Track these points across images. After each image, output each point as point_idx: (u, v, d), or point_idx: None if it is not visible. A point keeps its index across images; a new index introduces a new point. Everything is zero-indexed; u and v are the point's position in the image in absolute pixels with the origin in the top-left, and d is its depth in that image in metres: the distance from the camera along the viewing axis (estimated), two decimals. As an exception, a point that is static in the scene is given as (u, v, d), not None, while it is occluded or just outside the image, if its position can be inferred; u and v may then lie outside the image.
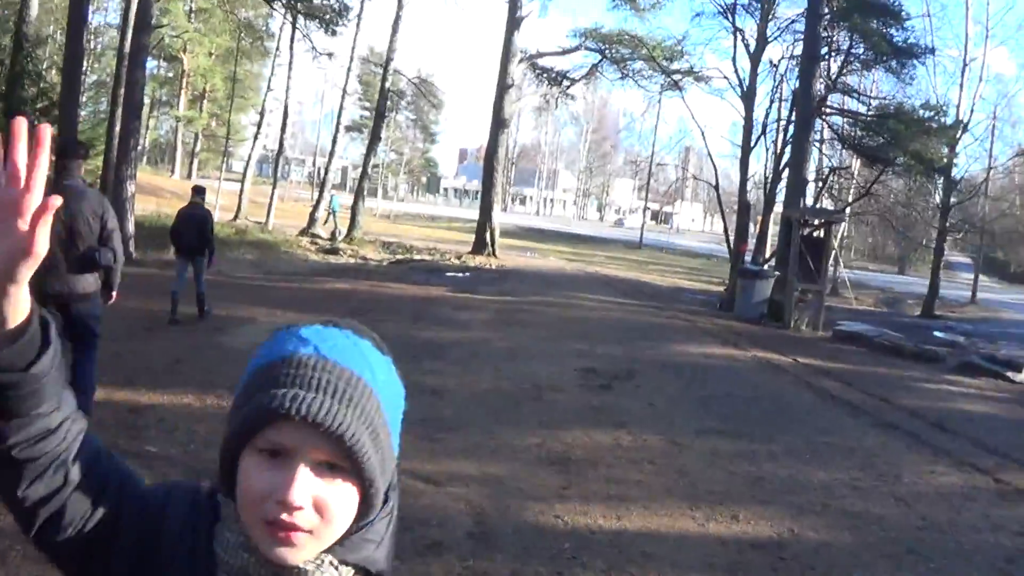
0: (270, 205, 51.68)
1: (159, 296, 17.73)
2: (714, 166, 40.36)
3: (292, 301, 21.26)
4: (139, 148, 29.36)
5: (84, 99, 34.34)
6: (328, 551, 1.56)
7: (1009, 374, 19.76)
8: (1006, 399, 17.57)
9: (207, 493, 1.65)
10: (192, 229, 17.78)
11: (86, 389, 9.12)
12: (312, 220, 50.16)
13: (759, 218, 39.74)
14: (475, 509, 8.33)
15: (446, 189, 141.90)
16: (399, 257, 41.04)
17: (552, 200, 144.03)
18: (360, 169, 53.29)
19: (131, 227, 27.02)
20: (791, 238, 27.34)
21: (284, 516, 1.47)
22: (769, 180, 35.72)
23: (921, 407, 15.29)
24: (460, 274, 34.50)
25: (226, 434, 1.55)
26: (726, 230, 37.44)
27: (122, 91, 29.74)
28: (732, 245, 35.82)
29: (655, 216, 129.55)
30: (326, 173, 54.97)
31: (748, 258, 34.13)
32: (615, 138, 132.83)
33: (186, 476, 8.27)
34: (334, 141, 54.07)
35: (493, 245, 42.88)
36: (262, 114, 57.85)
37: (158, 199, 51.89)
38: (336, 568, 1.57)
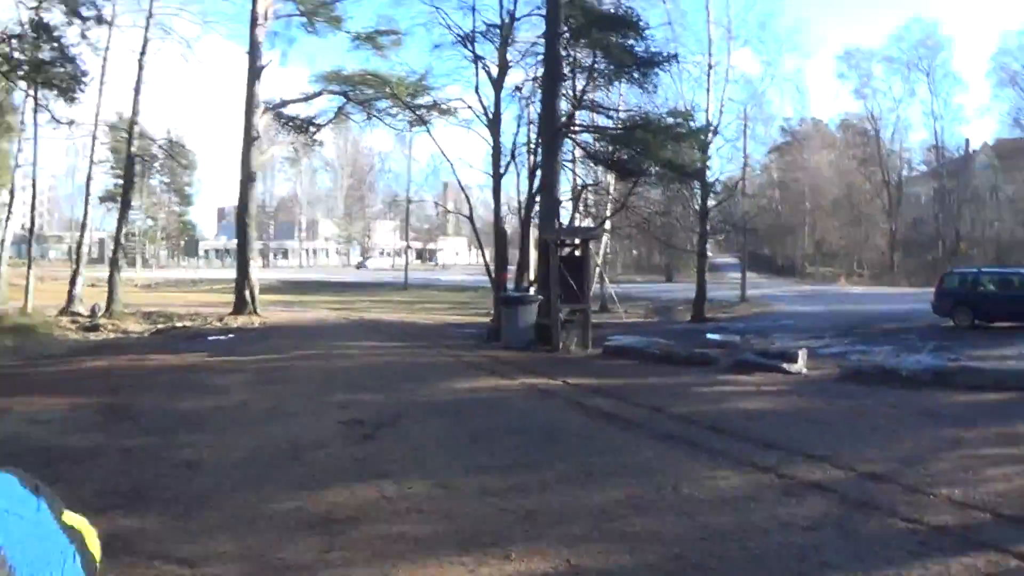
0: (27, 287, 49.77)
1: None
2: (466, 196, 40.40)
3: (50, 385, 20.22)
4: None
5: None
6: None
7: (784, 365, 20.05)
8: (784, 391, 17.75)
9: None
10: None
11: None
12: (71, 298, 48.61)
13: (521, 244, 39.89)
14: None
15: (207, 251, 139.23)
16: (160, 327, 40.10)
17: (315, 251, 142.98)
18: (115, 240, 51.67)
19: None
20: (550, 260, 27.31)
21: None
22: (523, 205, 35.68)
23: (697, 412, 15.21)
24: (222, 337, 33.79)
25: None
26: (486, 261, 37.46)
27: None
28: (493, 275, 35.70)
29: (419, 254, 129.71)
30: (79, 247, 52.93)
31: (511, 286, 33.96)
32: (371, 180, 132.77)
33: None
34: (85, 213, 51.98)
35: (254, 303, 42.03)
36: (12, 193, 55.64)
37: None
38: None
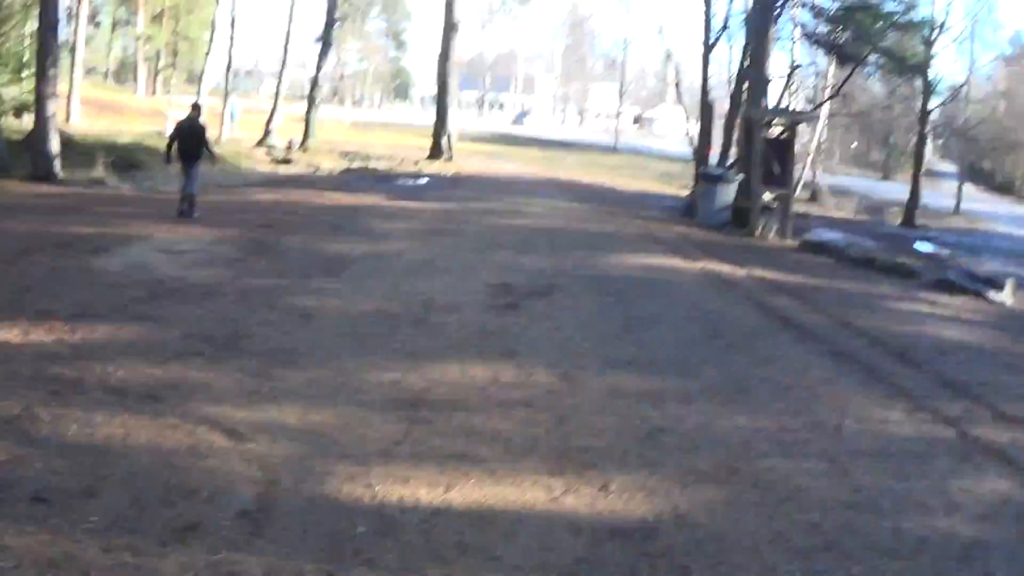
0: (221, 117, 49.98)
1: (65, 219, 17.54)
2: (674, 64, 38.69)
3: (207, 216, 19.55)
4: (57, 66, 27.73)
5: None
6: None
7: (990, 294, 17.46)
8: (984, 323, 15.09)
9: None
10: (191, 139, 20.31)
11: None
12: (267, 132, 48.92)
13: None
14: (267, 476, 6.32)
15: (422, 97, 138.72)
16: (352, 166, 39.97)
17: (529, 106, 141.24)
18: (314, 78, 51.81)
19: (54, 146, 25.88)
20: (753, 140, 25.25)
21: None
22: (733, 80, 33.26)
23: (885, 332, 13.03)
24: (410, 181, 33.42)
25: None
26: (692, 135, 35.75)
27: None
28: (695, 148, 33.92)
29: (636, 120, 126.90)
30: (278, 83, 53.42)
31: (714, 162, 32.00)
32: (590, 42, 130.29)
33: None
34: (285, 51, 53.36)
35: (450, 151, 41.21)
36: (214, 28, 55.82)
37: (120, 116, 50.59)
38: None
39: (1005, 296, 17.35)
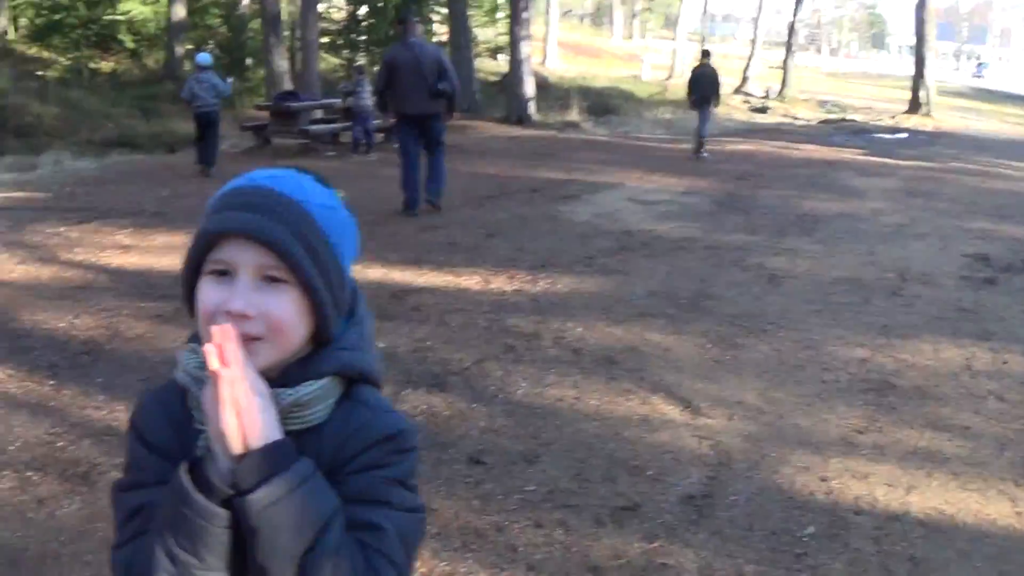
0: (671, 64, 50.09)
1: (536, 163, 18.34)
2: None
3: (680, 165, 19.96)
4: (530, 8, 28.64)
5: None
6: (301, 366, 1.68)
7: None
8: None
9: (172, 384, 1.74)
10: (704, 82, 22.14)
11: (438, 178, 13.95)
12: (744, 79, 48.48)
13: None
14: (718, 457, 6.10)
15: (899, 47, 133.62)
16: (829, 116, 38.92)
17: (1007, 59, 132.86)
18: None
19: (529, 88, 26.45)
20: None
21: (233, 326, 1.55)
22: None
23: None
24: (887, 135, 32.01)
25: (182, 265, 1.68)
26: None
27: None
28: None
29: None
30: (755, 30, 52.81)
31: None
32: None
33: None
34: None
35: (929, 104, 39.25)
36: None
37: (597, 59, 51.47)
38: (312, 380, 1.67)
39: None
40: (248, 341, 1.56)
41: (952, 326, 9.47)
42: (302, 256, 1.60)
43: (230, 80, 19.97)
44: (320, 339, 1.69)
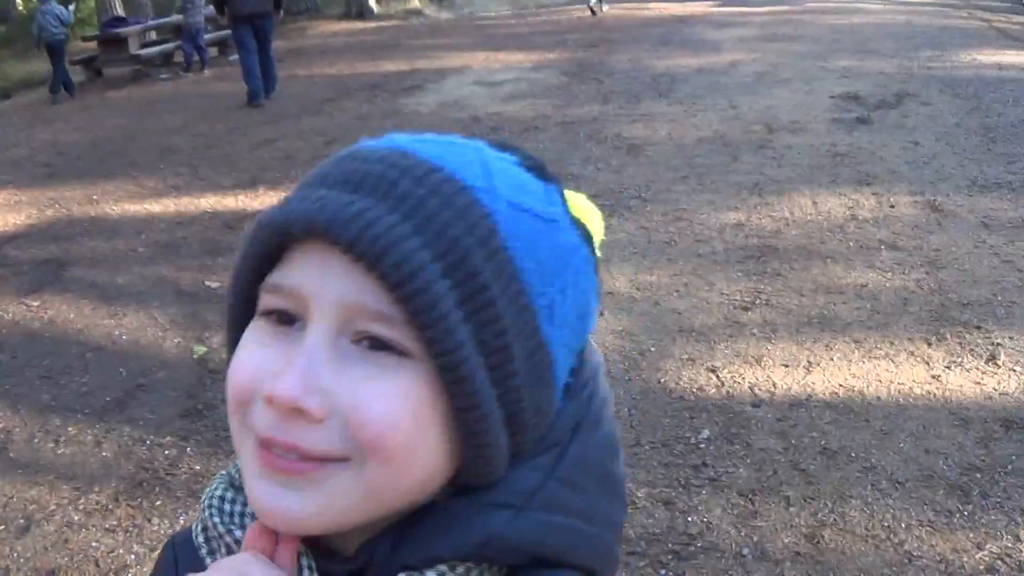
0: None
1: (377, 56, 17.46)
2: None
3: (524, 38, 18.88)
4: None
5: None
6: (402, 531, 0.87)
7: None
8: None
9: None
10: None
11: (272, 75, 14.19)
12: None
13: None
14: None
15: None
16: None
17: None
18: None
19: None
20: None
21: (276, 431, 0.80)
22: None
23: None
24: None
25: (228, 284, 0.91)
26: None
27: None
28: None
29: None
30: None
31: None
32: None
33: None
34: None
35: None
36: None
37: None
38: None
39: None
40: (311, 466, 0.81)
41: (829, 174, 8.96)
42: (444, 302, 0.80)
43: (71, 7, 18.87)
44: (471, 479, 0.88)
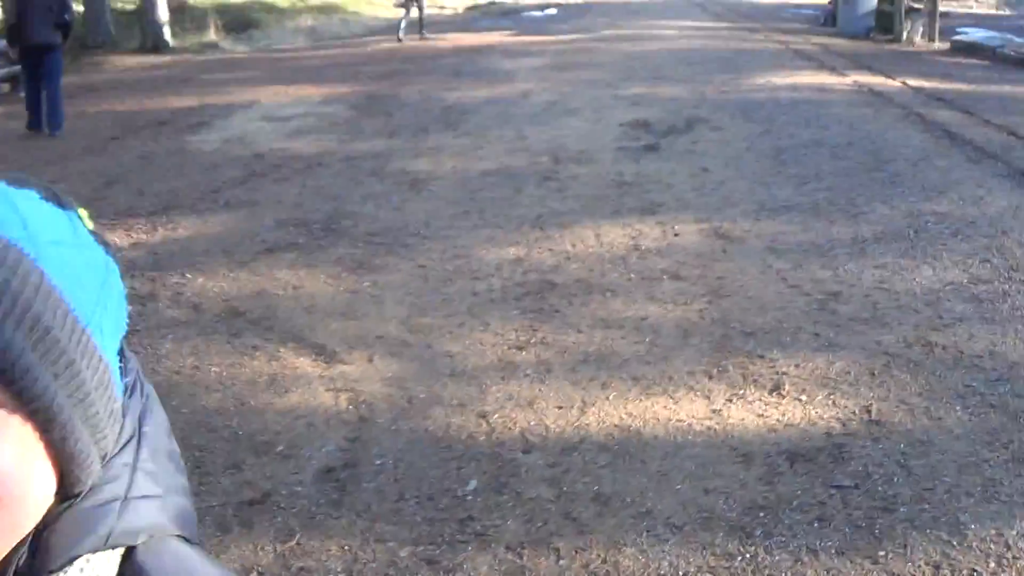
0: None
1: (168, 91, 16.89)
2: None
3: (317, 71, 18.69)
4: None
5: None
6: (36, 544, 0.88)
7: None
8: None
9: None
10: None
11: (57, 110, 13.46)
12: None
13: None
14: (359, 412, 5.18)
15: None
16: (477, 2, 38.68)
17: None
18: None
19: (162, 14, 25.20)
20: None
21: None
22: None
23: None
24: (538, 12, 32.76)
25: None
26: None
27: None
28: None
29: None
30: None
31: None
32: None
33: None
34: None
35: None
36: None
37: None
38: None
39: None
40: None
41: (614, 204, 8.89)
42: (21, 358, 0.81)
43: None
44: (70, 490, 0.90)
